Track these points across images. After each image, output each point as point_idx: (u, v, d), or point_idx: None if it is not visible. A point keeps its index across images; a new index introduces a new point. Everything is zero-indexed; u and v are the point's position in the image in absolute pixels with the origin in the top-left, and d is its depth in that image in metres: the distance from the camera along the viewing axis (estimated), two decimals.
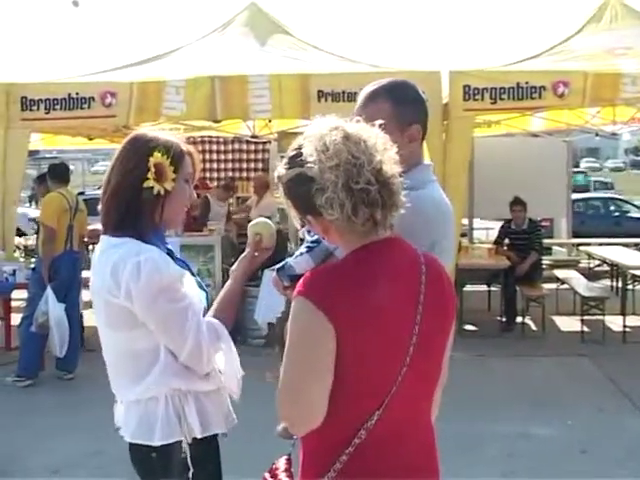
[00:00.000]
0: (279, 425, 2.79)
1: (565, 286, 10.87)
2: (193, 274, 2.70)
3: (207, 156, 13.99)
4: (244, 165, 14.26)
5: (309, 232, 2.85)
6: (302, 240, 2.92)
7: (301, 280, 2.06)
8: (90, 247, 9.65)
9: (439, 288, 2.18)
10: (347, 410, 2.04)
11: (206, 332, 2.54)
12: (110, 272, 2.45)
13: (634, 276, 10.43)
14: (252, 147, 14.00)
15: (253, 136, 11.50)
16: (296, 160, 2.12)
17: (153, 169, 2.49)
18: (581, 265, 13.83)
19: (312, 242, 2.73)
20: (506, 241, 10.68)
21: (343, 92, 8.28)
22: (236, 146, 14.19)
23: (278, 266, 2.74)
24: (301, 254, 2.72)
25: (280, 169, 2.19)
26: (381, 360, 2.04)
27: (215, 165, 14.26)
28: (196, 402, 2.59)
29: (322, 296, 1.99)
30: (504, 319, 9.99)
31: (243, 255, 2.83)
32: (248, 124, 11.29)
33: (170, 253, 2.62)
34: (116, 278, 2.44)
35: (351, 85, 8.18)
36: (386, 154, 2.08)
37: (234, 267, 2.81)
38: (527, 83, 8.22)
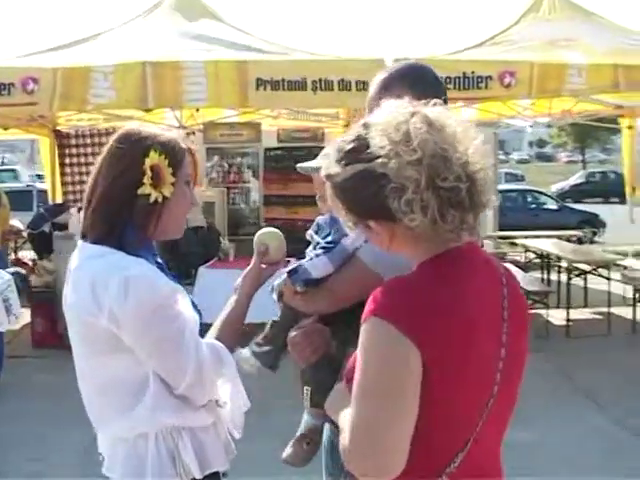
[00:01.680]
0: (286, 450, 2.48)
1: None
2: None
3: None
4: None
5: (317, 232, 2.49)
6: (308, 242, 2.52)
7: (374, 298, 1.66)
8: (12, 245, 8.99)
9: (519, 302, 1.84)
10: (427, 455, 1.67)
11: (208, 356, 2.12)
12: (89, 289, 2.02)
13: (576, 269, 10.37)
14: None
15: (181, 127, 10.95)
16: (357, 154, 1.71)
17: (149, 172, 2.11)
18: (508, 258, 13.79)
19: (328, 242, 2.35)
20: None
21: (283, 80, 7.82)
22: None
23: (289, 269, 2.36)
24: (317, 256, 2.34)
25: (331, 166, 1.78)
26: (470, 394, 1.70)
27: None
28: (192, 438, 2.17)
29: (408, 320, 1.61)
30: None
31: (248, 269, 2.43)
32: (176, 114, 10.74)
33: (160, 266, 2.20)
34: (97, 297, 2.02)
35: (291, 73, 7.79)
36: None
37: (237, 282, 2.40)
38: (473, 73, 7.92)
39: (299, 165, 2.54)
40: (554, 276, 11.91)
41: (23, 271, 2.01)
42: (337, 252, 2.33)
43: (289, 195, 10.87)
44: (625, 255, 13.15)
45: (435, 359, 1.61)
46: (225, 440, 2.31)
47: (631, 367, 7.74)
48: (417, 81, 2.42)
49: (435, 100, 1.78)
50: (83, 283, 2.06)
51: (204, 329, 2.24)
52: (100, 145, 12.19)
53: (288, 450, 2.49)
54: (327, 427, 2.49)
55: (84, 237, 2.18)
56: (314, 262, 2.33)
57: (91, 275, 2.05)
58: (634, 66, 8.11)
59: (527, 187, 27.88)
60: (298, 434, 2.49)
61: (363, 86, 7.91)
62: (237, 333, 2.34)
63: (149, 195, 2.11)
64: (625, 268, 10.63)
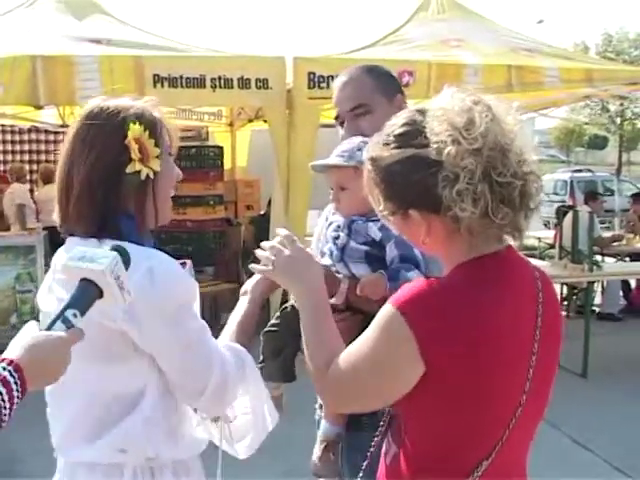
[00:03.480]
0: (315, 464, 2.40)
1: None
2: None
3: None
4: (42, 157, 12.97)
5: (337, 231, 2.36)
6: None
7: (404, 290, 1.63)
8: None
9: (554, 308, 1.78)
10: (452, 460, 1.65)
11: (232, 359, 1.93)
12: None
13: None
14: (51, 137, 12.84)
15: (63, 125, 10.46)
16: (409, 139, 1.63)
17: (135, 146, 1.88)
18: None
19: (404, 258, 2.25)
20: None
21: (181, 77, 7.60)
22: (33, 136, 12.97)
23: (382, 272, 2.22)
24: (406, 269, 2.22)
25: (376, 149, 1.69)
26: (496, 402, 1.65)
27: (10, 157, 12.95)
28: (175, 475, 1.93)
29: (423, 327, 1.58)
30: None
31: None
32: (59, 110, 10.27)
33: None
34: None
35: (190, 69, 7.59)
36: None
37: (247, 286, 2.23)
38: None
39: (313, 163, 2.41)
40: None
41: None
42: (422, 267, 2.23)
43: (177, 195, 10.41)
44: None
45: (445, 365, 1.58)
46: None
47: None
48: (376, 71, 2.61)
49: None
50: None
51: None
52: None
53: (317, 464, 2.40)
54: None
55: (70, 233, 1.95)
56: (413, 274, 2.17)
57: None
58: (525, 67, 8.37)
59: None
60: (321, 445, 2.40)
61: (263, 84, 7.81)
62: (251, 336, 2.14)
63: (139, 172, 1.89)
64: None
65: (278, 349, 2.33)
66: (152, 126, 1.93)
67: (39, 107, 8.33)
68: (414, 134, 1.64)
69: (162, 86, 7.61)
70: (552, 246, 10.69)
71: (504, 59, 8.39)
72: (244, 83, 7.75)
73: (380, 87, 2.55)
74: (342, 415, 2.32)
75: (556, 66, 8.62)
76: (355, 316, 2.21)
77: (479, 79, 8.09)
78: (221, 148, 10.87)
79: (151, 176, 1.90)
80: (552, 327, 1.74)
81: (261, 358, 2.34)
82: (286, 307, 2.34)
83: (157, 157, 1.92)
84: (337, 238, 2.32)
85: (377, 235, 2.24)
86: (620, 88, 9.10)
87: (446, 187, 1.57)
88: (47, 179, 10.35)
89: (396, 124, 1.69)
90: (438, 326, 1.57)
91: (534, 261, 9.48)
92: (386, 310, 1.62)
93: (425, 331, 1.57)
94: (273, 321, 2.38)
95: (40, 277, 8.05)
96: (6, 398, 1.43)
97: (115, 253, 1.63)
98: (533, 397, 1.68)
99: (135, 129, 1.88)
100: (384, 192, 1.69)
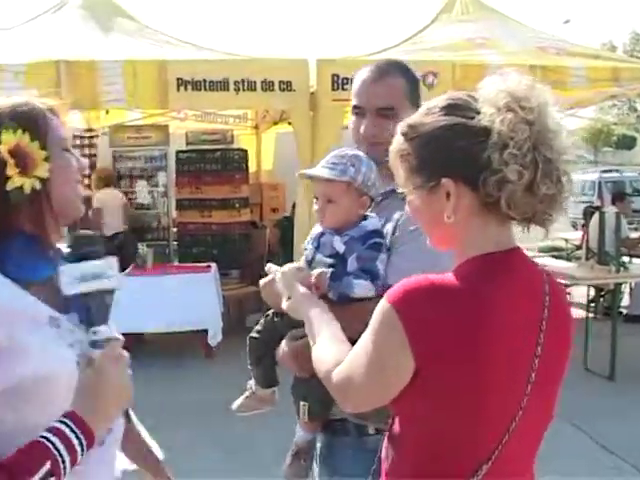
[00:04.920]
0: (285, 469, 2.41)
1: None
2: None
3: None
4: None
5: (317, 248, 2.30)
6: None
7: (399, 285, 1.60)
8: None
9: (562, 311, 1.73)
10: (453, 461, 1.62)
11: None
12: None
13: None
14: (77, 142, 12.89)
15: (88, 129, 10.55)
16: (457, 110, 1.64)
17: (11, 160, 1.62)
18: None
19: (364, 270, 2.19)
20: None
21: (204, 80, 7.64)
22: None
23: (331, 271, 2.17)
24: (356, 276, 2.16)
25: (415, 118, 1.68)
26: (494, 404, 1.60)
27: None
28: None
29: (417, 324, 1.56)
30: None
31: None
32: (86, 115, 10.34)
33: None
34: None
35: (213, 73, 7.61)
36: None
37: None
38: None
39: (303, 172, 2.37)
40: None
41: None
42: (380, 281, 2.17)
43: (202, 199, 10.58)
44: None
45: (436, 361, 1.55)
46: None
47: None
48: (409, 73, 2.49)
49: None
50: None
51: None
52: None
53: (287, 469, 2.41)
54: (319, 438, 2.44)
55: None
56: (361, 282, 2.15)
57: None
58: (549, 67, 8.28)
59: None
60: (293, 451, 2.41)
61: (286, 86, 7.81)
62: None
63: (21, 187, 1.63)
64: None
65: (258, 358, 2.37)
66: (33, 125, 1.67)
67: None
68: (461, 107, 1.63)
69: (185, 89, 7.65)
70: (579, 247, 10.58)
71: (529, 59, 8.30)
72: (267, 85, 7.76)
73: (410, 93, 2.44)
74: (314, 423, 2.35)
75: (582, 65, 8.55)
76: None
77: None
78: (245, 151, 10.89)
79: (38, 187, 1.65)
80: (559, 331, 1.68)
81: (249, 362, 2.40)
82: (269, 314, 2.35)
83: (46, 160, 1.67)
84: (306, 250, 2.33)
85: (341, 248, 2.22)
86: None
87: (495, 152, 1.55)
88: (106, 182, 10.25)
89: (440, 99, 1.68)
90: (429, 319, 1.54)
91: (561, 262, 9.41)
92: (380, 305, 1.61)
93: (414, 322, 1.55)
94: (257, 327, 2.39)
95: None
96: (65, 453, 1.46)
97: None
98: (536, 400, 1.63)
99: (9, 138, 1.63)
100: (416, 161, 1.65)
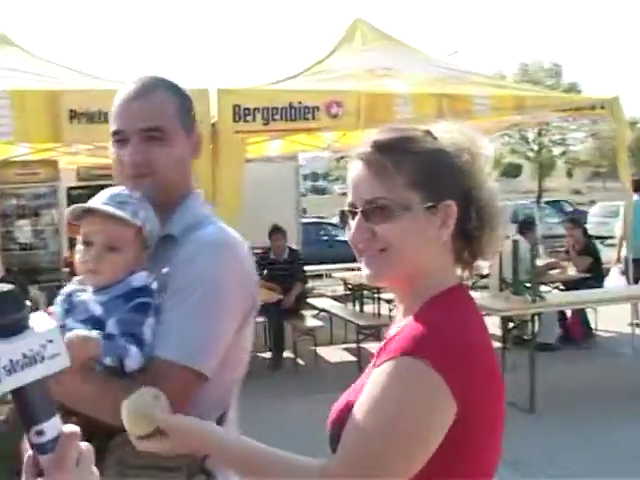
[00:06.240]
0: None
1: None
2: None
3: None
4: None
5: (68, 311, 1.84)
6: None
7: (409, 339, 1.47)
8: None
9: None
10: None
11: None
12: None
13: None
14: None
15: None
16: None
17: None
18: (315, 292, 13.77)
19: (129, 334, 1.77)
20: (265, 272, 9.96)
21: (99, 112, 7.19)
22: None
23: (101, 334, 1.72)
24: (123, 347, 1.74)
25: (407, 132, 1.61)
26: (495, 452, 1.58)
27: None
28: None
29: (446, 364, 1.42)
30: (271, 356, 9.40)
31: None
32: None
33: None
34: None
35: (108, 104, 7.13)
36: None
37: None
38: (300, 103, 7.66)
39: (79, 205, 1.89)
40: (369, 308, 11.87)
41: None
42: (148, 349, 1.77)
43: None
44: None
45: (469, 407, 1.44)
46: None
47: None
48: (179, 89, 2.11)
49: None
50: None
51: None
52: None
53: None
54: None
55: None
56: (131, 350, 1.73)
57: None
58: (456, 95, 8.21)
59: (319, 220, 27.93)
60: None
61: None
62: None
63: None
64: None
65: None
66: None
67: None
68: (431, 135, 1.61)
69: (79, 122, 7.17)
70: (484, 276, 10.49)
71: (434, 88, 8.22)
72: None
73: (180, 114, 2.02)
74: None
75: (485, 94, 8.50)
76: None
77: (410, 108, 7.89)
78: None
79: None
80: None
81: None
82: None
83: None
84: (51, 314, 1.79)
85: (97, 310, 1.80)
86: (549, 115, 9.04)
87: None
88: None
89: (412, 127, 1.64)
90: (459, 365, 1.44)
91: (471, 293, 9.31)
92: (398, 362, 1.43)
93: (452, 371, 1.43)
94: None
95: None
96: None
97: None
98: None
99: None
100: (413, 177, 1.53)
